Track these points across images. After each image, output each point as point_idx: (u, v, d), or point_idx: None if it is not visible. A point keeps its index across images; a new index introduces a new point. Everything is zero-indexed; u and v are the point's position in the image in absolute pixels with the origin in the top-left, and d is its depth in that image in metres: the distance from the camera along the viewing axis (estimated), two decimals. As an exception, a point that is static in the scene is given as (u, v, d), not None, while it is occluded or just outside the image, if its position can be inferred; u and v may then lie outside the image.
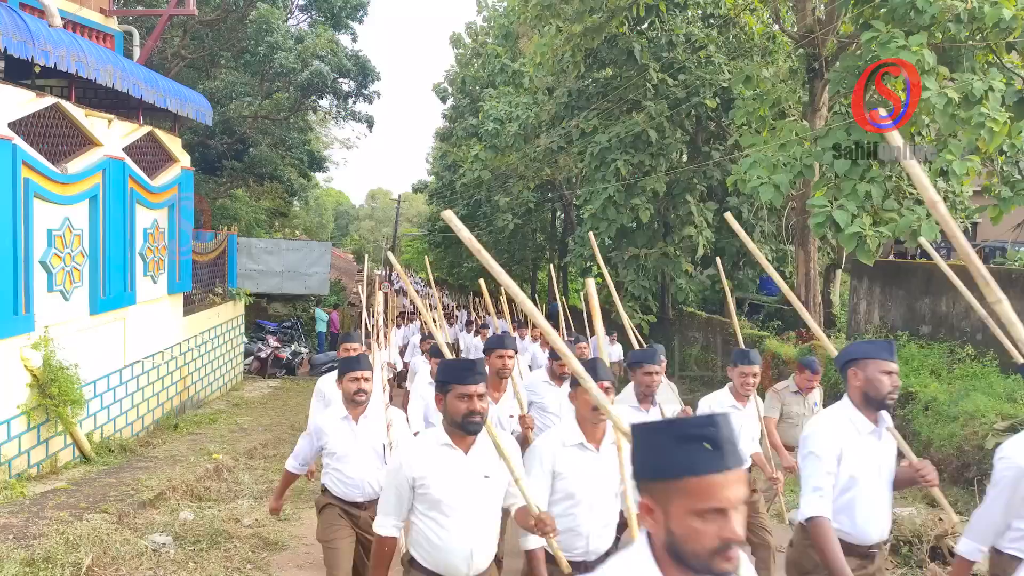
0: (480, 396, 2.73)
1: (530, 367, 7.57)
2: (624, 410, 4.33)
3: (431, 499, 2.76)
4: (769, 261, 17.34)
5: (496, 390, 4.43)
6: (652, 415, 4.40)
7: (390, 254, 3.70)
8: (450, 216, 2.16)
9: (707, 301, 18.06)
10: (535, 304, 8.20)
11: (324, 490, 3.95)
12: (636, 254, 15.69)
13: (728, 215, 3.80)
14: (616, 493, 3.16)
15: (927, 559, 5.70)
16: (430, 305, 10.19)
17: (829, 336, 12.39)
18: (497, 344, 4.68)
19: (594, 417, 3.06)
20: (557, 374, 5.14)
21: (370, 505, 3.77)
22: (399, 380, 11.10)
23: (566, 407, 5.23)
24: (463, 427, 2.74)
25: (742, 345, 5.20)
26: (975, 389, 8.23)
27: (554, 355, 5.21)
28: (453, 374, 2.78)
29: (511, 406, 4.47)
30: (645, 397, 4.40)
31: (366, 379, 3.84)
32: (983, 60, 9.58)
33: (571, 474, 3.07)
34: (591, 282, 2.92)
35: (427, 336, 7.83)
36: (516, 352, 4.74)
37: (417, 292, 33.44)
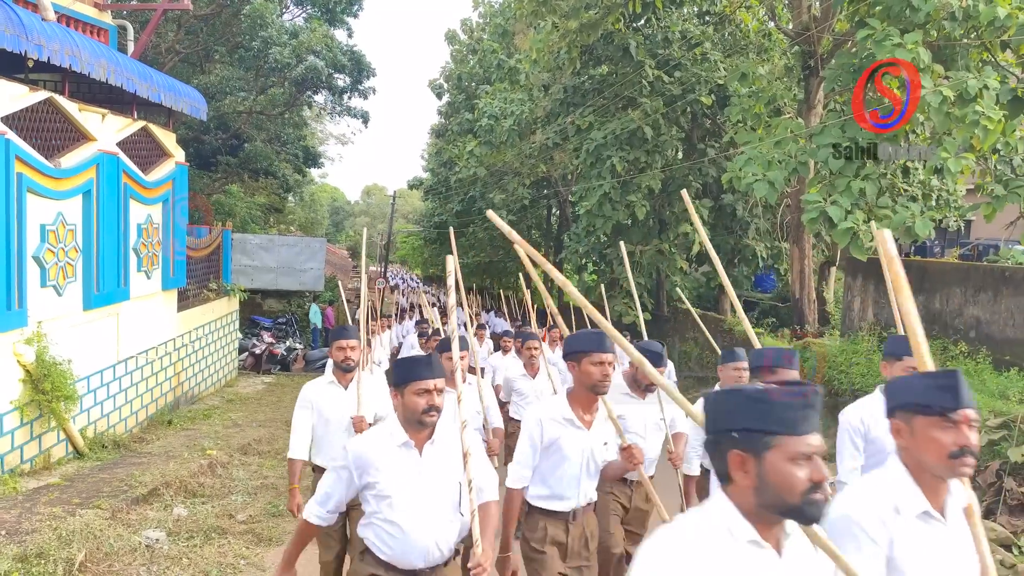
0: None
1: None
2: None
3: None
4: (764, 258, 17.42)
5: (587, 411, 3.32)
6: None
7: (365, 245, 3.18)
8: (492, 215, 2.49)
9: (701, 298, 18.10)
10: (531, 301, 8.16)
11: (364, 552, 2.79)
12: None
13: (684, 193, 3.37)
14: None
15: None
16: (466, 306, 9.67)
17: (823, 334, 12.44)
18: (596, 346, 3.16)
19: (947, 467, 1.91)
20: (642, 386, 3.97)
21: (429, 574, 2.76)
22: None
23: (650, 426, 4.01)
24: (804, 513, 1.54)
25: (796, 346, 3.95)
26: (968, 386, 8.24)
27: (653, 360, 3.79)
28: (784, 419, 1.53)
29: (605, 431, 3.35)
30: None
31: (439, 391, 2.74)
32: (978, 58, 9.61)
33: (917, 563, 1.91)
34: (886, 234, 2.04)
35: (423, 322, 7.66)
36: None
37: (413, 289, 33.08)
